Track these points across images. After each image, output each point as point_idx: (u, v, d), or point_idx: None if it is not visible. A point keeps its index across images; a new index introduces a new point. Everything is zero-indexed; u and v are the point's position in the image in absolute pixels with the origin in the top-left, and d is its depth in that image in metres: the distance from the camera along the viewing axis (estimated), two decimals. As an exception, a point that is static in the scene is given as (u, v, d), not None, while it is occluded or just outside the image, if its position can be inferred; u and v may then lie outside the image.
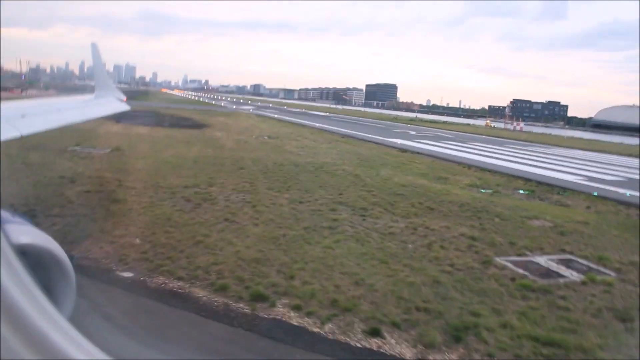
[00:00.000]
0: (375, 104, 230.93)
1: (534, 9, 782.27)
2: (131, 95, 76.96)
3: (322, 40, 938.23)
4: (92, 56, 12.94)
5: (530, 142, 40.80)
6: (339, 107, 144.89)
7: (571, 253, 8.64)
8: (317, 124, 41.62)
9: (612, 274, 7.71)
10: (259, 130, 29.64)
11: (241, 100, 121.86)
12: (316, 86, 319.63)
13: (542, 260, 8.17)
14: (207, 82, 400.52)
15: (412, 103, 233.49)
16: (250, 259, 7.02)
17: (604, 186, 17.17)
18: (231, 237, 7.97)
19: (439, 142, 32.23)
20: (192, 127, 27.23)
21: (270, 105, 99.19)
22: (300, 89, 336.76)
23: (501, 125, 76.32)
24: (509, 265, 7.76)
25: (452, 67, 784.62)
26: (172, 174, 12.69)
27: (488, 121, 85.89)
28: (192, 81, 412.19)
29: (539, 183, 16.92)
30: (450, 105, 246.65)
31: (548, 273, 7.58)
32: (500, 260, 7.92)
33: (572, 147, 38.42)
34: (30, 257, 1.51)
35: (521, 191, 14.95)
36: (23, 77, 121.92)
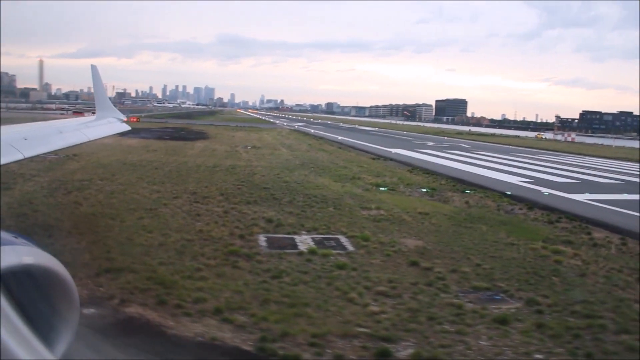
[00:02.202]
0: (445, 120, 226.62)
1: (615, 17, 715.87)
2: (191, 115, 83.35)
3: (395, 58, 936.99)
4: (92, 78, 15.01)
5: (550, 151, 39.17)
6: (399, 122, 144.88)
7: (344, 234, 9.42)
8: (340, 137, 43.26)
9: (351, 249, 8.48)
10: (257, 142, 31.77)
11: (304, 119, 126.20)
12: (387, 103, 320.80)
13: (302, 238, 9.10)
14: (282, 101, 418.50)
15: (482, 118, 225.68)
16: (44, 225, 8.85)
17: (537, 187, 16.96)
18: (55, 212, 9.92)
19: (441, 152, 32.20)
20: (186, 139, 30.19)
21: (330, 122, 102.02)
22: (371, 106, 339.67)
23: (550, 136, 73.03)
24: (261, 239, 8.84)
25: (528, 80, 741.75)
26: (87, 172, 15.05)
27: (538, 133, 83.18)
28: (269, 101, 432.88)
29: (463, 182, 17.15)
30: (526, 120, 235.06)
31: (285, 246, 8.54)
32: (259, 235, 9.02)
33: (589, 155, 36.57)
34: (33, 277, 1.66)
35: (423, 189, 15.38)
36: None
